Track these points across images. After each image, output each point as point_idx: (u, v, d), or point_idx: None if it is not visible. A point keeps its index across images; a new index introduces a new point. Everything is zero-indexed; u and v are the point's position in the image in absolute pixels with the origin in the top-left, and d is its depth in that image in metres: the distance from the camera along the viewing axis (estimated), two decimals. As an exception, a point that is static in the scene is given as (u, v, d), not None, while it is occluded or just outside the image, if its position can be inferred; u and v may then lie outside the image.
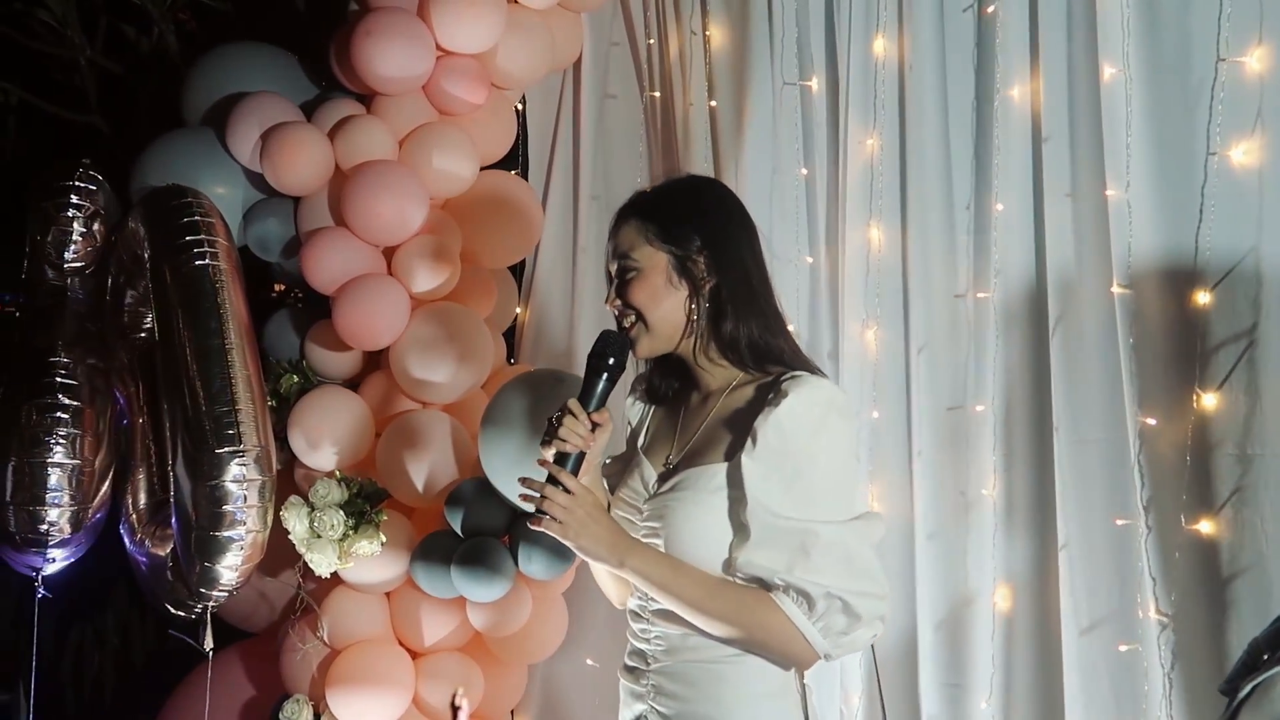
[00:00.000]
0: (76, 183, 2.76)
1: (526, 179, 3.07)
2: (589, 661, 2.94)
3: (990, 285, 2.40)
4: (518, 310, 3.08)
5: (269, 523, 2.49)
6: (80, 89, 3.85)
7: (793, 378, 1.70)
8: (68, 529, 2.64)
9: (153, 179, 2.87)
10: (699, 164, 2.71)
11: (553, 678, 2.96)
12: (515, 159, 3.08)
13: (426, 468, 2.66)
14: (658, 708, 1.73)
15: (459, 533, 2.55)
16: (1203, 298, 2.13)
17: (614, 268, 1.78)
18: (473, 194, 2.83)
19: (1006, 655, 2.36)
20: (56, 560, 2.71)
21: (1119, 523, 2.21)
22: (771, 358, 1.76)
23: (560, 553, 2.44)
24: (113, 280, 2.84)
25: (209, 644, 2.58)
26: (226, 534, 2.41)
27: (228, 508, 2.40)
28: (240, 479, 2.41)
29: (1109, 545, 2.22)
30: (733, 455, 1.68)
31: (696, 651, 1.70)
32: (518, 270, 3.10)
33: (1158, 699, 2.13)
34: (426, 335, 2.71)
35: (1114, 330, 2.20)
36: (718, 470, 1.69)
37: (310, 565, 2.59)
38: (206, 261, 2.54)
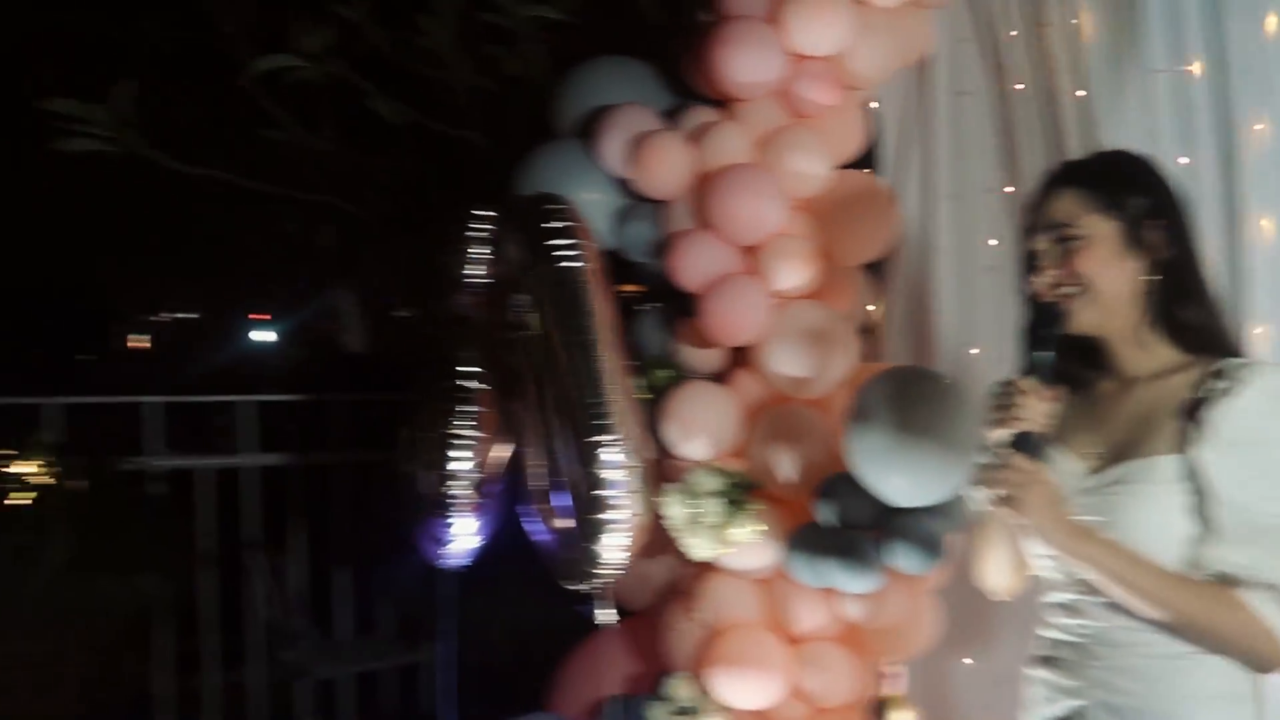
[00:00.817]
0: (476, 211, 3.05)
1: (882, 177, 3.09)
2: (966, 660, 2.94)
3: None
4: (872, 307, 3.11)
5: (646, 507, 2.67)
6: (460, 108, 4.23)
7: (1247, 365, 1.64)
8: (471, 497, 2.97)
9: (529, 187, 3.09)
10: (1070, 156, 2.62)
11: (929, 675, 2.96)
12: (868, 158, 3.10)
13: (794, 460, 2.75)
14: (1109, 700, 1.70)
15: (828, 524, 2.64)
16: None
17: (1043, 242, 1.74)
18: (829, 193, 2.88)
19: None
20: (461, 531, 3.02)
21: None
22: (1215, 344, 1.70)
23: (930, 548, 2.47)
24: (501, 286, 3.13)
25: (607, 617, 2.79)
26: (607, 517, 2.62)
27: (606, 493, 2.61)
28: (616, 465, 2.61)
29: None
30: (1178, 447, 1.64)
31: (1150, 647, 1.67)
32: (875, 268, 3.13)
33: None
34: (787, 331, 2.80)
35: None
36: (1165, 462, 1.65)
37: (687, 550, 2.76)
38: (577, 264, 2.73)
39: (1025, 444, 1.62)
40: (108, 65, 5.18)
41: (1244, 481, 1.59)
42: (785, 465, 2.75)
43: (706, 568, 2.85)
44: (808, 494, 2.69)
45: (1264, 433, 1.60)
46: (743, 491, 2.72)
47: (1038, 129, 2.77)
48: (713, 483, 2.73)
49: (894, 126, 3.09)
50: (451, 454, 2.94)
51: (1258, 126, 2.39)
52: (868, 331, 3.05)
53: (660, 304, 3.16)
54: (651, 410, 3.00)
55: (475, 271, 3.04)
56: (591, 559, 2.69)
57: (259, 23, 5.12)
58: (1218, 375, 1.64)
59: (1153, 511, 1.65)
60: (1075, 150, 2.62)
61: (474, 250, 3.02)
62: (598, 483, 2.61)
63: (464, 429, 2.95)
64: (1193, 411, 1.64)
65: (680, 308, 3.02)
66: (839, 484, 2.59)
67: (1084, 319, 1.70)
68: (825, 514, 2.62)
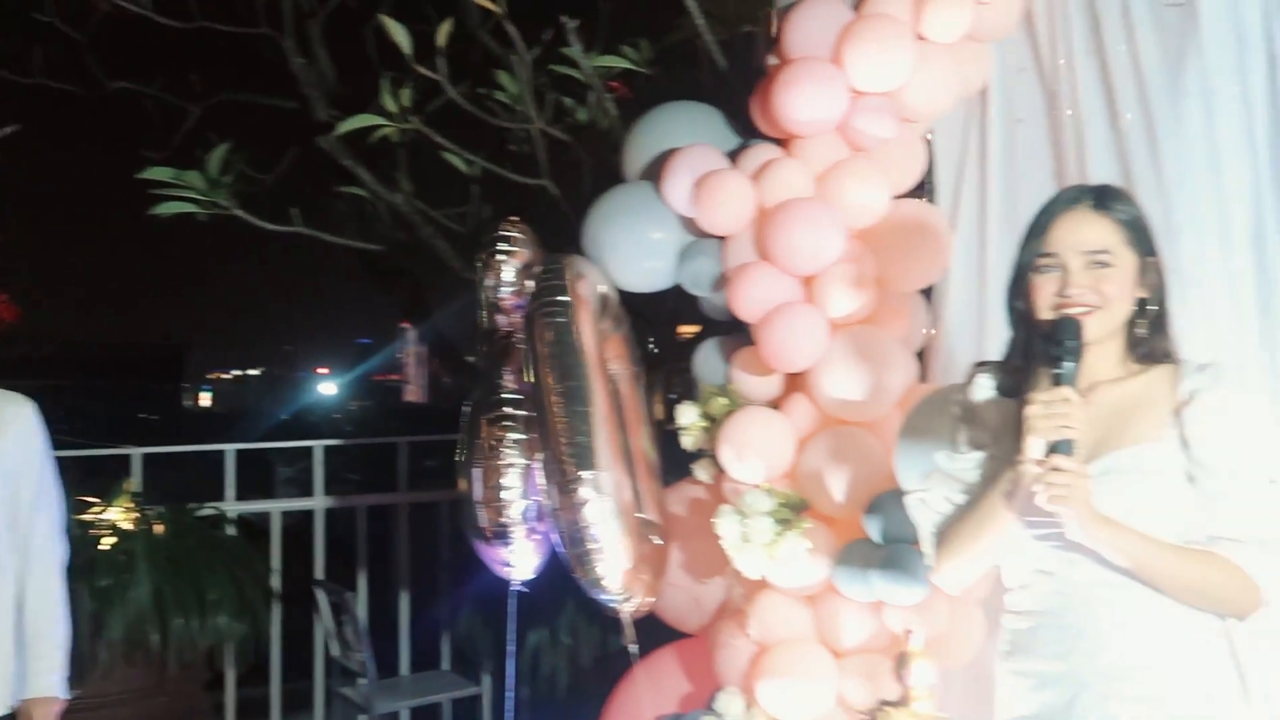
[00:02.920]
0: (504, 232, 3.19)
1: (936, 205, 3.17)
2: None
3: None
4: (929, 330, 3.19)
5: (626, 533, 2.77)
6: (532, 156, 4.39)
7: (1215, 364, 1.89)
8: (524, 522, 3.01)
9: (598, 230, 3.21)
10: (1122, 181, 2.70)
11: (971, 683, 2.99)
12: (923, 186, 3.20)
13: (846, 481, 2.81)
14: (1102, 668, 1.85)
15: (878, 540, 2.69)
16: None
17: (1077, 257, 1.89)
18: (884, 223, 2.97)
19: None
20: (521, 557, 3.07)
21: None
22: (1167, 358, 1.96)
23: None
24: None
25: (631, 644, 2.89)
26: (582, 550, 2.75)
27: (582, 528, 2.73)
28: (589, 501, 2.72)
29: None
30: (1155, 435, 1.85)
31: (1133, 607, 1.85)
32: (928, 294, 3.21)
33: None
34: (844, 357, 2.88)
35: None
36: (1150, 449, 1.86)
37: (740, 568, 2.83)
38: (562, 320, 2.89)
39: (1064, 447, 1.77)
40: (196, 131, 5.46)
41: (1231, 454, 1.83)
42: (837, 485, 2.82)
43: (759, 585, 2.91)
44: (858, 512, 2.75)
45: (1243, 412, 1.87)
46: (793, 511, 2.79)
47: (1089, 154, 2.85)
48: (764, 503, 2.81)
49: (950, 155, 3.17)
50: (502, 481, 3.00)
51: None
52: (920, 355, 3.12)
53: (719, 335, 3.27)
54: (710, 437, 3.09)
55: (508, 290, 3.15)
56: (591, 588, 2.80)
57: (340, 83, 5.40)
58: (1199, 370, 1.89)
59: (1144, 493, 1.84)
60: (1122, 173, 2.71)
61: (506, 268, 3.15)
62: (574, 520, 2.74)
63: (511, 454, 3.01)
64: (1162, 405, 1.88)
65: (738, 337, 3.13)
66: (887, 501, 2.65)
67: (1093, 332, 1.88)
68: (874, 529, 2.67)
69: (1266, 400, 2.48)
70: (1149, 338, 1.94)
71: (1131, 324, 1.93)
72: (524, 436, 3.01)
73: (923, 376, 3.12)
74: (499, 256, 3.14)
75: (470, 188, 4.80)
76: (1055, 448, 1.76)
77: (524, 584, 3.16)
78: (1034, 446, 1.78)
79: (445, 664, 5.01)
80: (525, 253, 3.15)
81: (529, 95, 4.17)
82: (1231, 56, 2.60)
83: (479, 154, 4.48)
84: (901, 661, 2.33)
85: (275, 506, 5.09)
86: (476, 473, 3.04)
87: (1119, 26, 2.77)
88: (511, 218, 3.25)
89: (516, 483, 3.00)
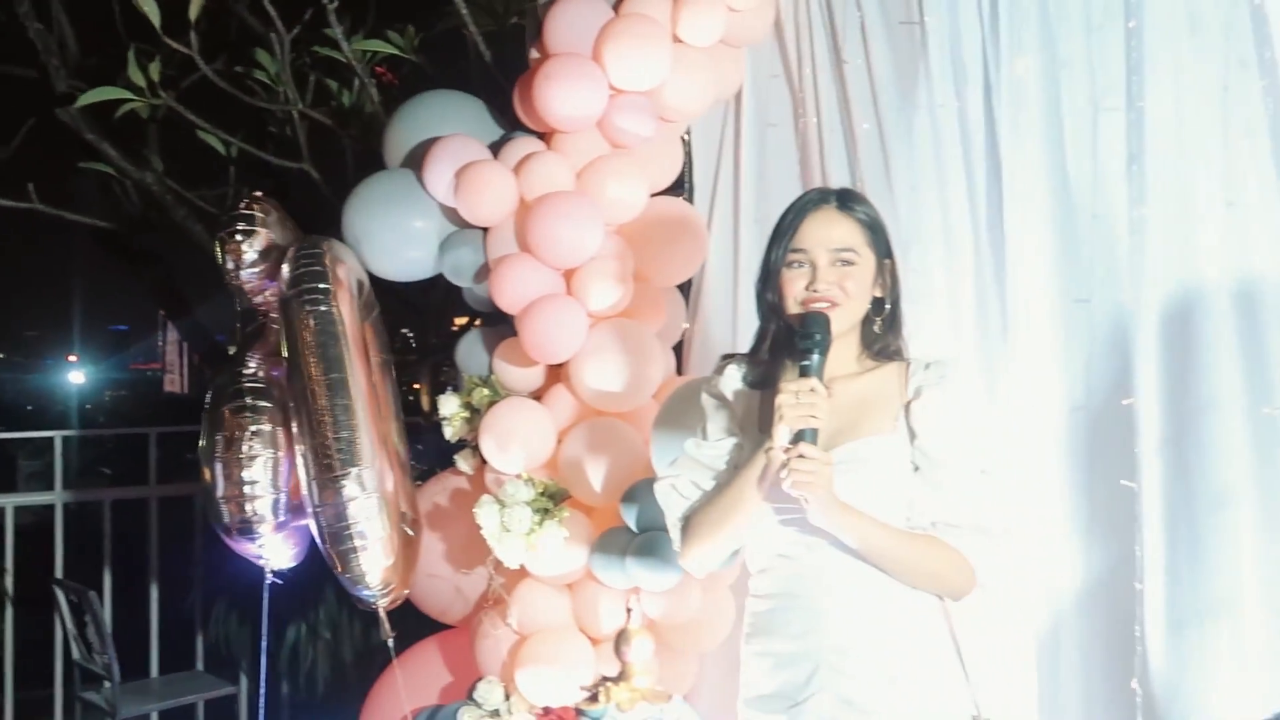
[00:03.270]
0: (243, 211, 3.02)
1: (693, 203, 3.27)
2: None
3: (1139, 286, 2.51)
4: (685, 325, 3.29)
5: (390, 528, 2.74)
6: (293, 139, 4.26)
7: (941, 362, 2.01)
8: (271, 517, 2.89)
9: (358, 217, 3.14)
10: (858, 185, 2.87)
11: (722, 664, 3.12)
12: (682, 185, 3.29)
13: (604, 470, 2.88)
14: (838, 645, 1.94)
15: (634, 528, 2.77)
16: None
17: (825, 254, 1.98)
18: (644, 218, 3.04)
19: (1147, 634, 2.46)
20: (271, 552, 2.96)
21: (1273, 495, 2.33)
22: (897, 354, 2.06)
23: None
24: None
25: (388, 636, 2.84)
26: (347, 547, 2.69)
27: (344, 525, 2.68)
28: (354, 497, 2.67)
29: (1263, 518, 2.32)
30: (888, 427, 1.97)
31: (866, 588, 1.95)
32: (685, 289, 3.31)
33: None
34: (602, 349, 2.93)
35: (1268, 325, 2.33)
36: (883, 440, 1.97)
37: (500, 557, 2.85)
38: (323, 308, 2.80)
39: (809, 436, 1.85)
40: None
41: (951, 447, 1.95)
42: (595, 474, 2.88)
43: (519, 575, 2.94)
44: (616, 501, 2.81)
45: (962, 409, 1.99)
46: (552, 500, 2.83)
47: (831, 159, 3.00)
48: (523, 493, 2.84)
49: (707, 155, 3.28)
50: (245, 475, 2.87)
51: (1019, 156, 2.68)
52: (677, 348, 3.22)
53: (481, 326, 3.27)
54: (472, 428, 3.10)
55: (252, 273, 3.01)
56: (350, 583, 2.75)
57: (84, 53, 5.08)
58: (926, 368, 2.00)
59: (877, 480, 1.95)
60: (858, 179, 2.88)
61: (247, 249, 2.99)
62: (337, 516, 2.67)
63: (256, 446, 2.88)
64: (894, 399, 1.99)
65: (502, 329, 3.14)
66: (642, 490, 2.73)
67: (837, 328, 1.97)
68: (629, 517, 2.74)
69: (982, 399, 2.68)
70: (883, 335, 2.06)
71: (868, 322, 2.05)
72: (269, 428, 2.89)
73: (680, 369, 3.22)
74: (238, 237, 2.98)
75: (228, 169, 4.62)
76: (801, 436, 1.84)
77: (281, 577, 3.07)
78: (781, 434, 1.86)
79: (199, 664, 4.82)
80: (268, 233, 3.00)
81: (289, 76, 4.04)
82: (953, 76, 2.79)
83: (237, 135, 4.31)
84: (622, 638, 2.40)
85: (9, 501, 4.75)
86: (219, 466, 2.89)
87: (856, 40, 2.94)
88: (255, 194, 3.10)
89: (262, 476, 2.88)
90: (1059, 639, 2.63)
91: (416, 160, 3.16)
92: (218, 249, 3.03)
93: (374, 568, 2.73)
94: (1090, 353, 2.60)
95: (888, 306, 2.05)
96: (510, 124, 3.24)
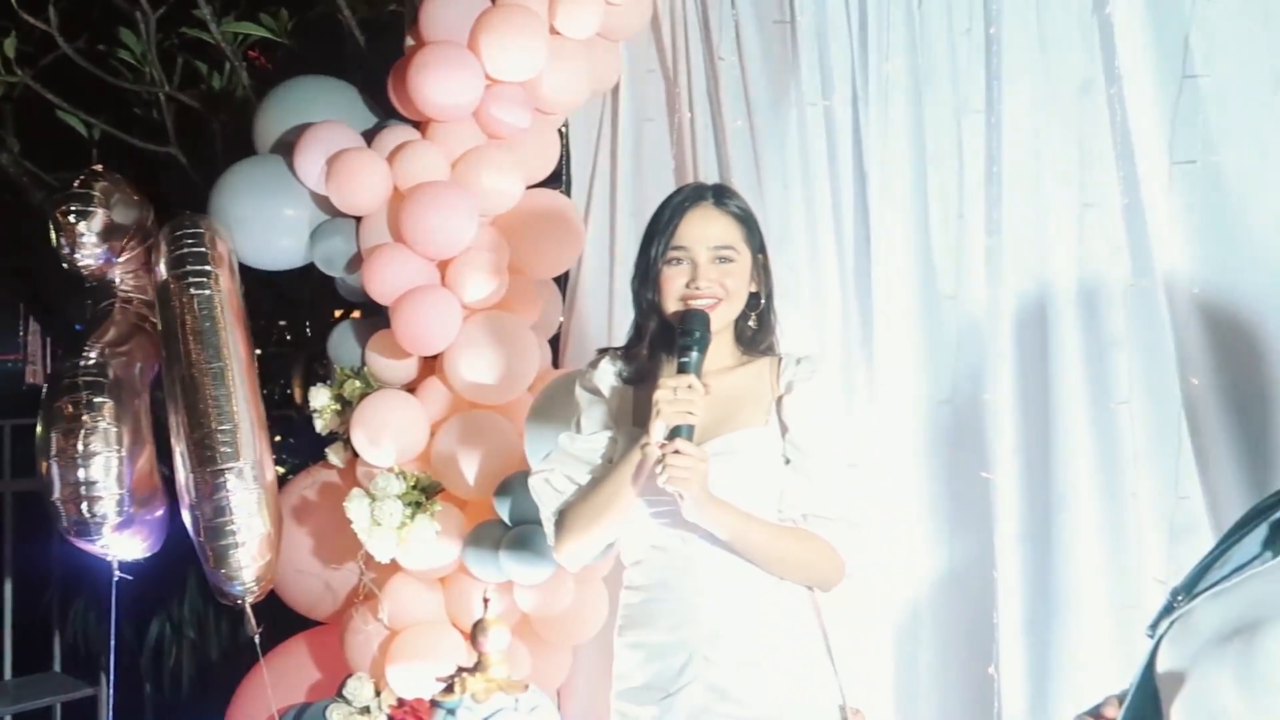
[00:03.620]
0: (77, 189, 2.83)
1: (570, 196, 3.27)
2: None
3: (997, 285, 2.58)
4: (562, 318, 3.28)
5: (269, 523, 2.66)
6: (159, 123, 4.12)
7: (810, 358, 2.04)
8: (114, 516, 2.73)
9: (226, 204, 3.07)
10: (729, 182, 2.90)
11: (597, 658, 3.13)
12: (559, 178, 3.28)
13: (477, 463, 2.86)
14: (713, 635, 1.95)
15: (507, 521, 2.75)
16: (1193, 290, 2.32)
17: (705, 252, 1.99)
18: (520, 210, 3.02)
19: (1006, 621, 2.54)
20: (117, 546, 2.80)
21: (1113, 495, 2.41)
22: (770, 349, 2.09)
23: None
24: (136, 286, 2.98)
25: (254, 631, 2.76)
26: (228, 542, 2.60)
27: (225, 520, 2.59)
28: (233, 491, 2.58)
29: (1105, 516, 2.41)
30: (760, 420, 1.99)
31: (740, 581, 1.97)
32: (562, 282, 3.30)
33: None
34: (476, 341, 2.91)
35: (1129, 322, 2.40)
36: (756, 433, 1.98)
37: (371, 552, 2.81)
38: (207, 291, 2.70)
39: (685, 432, 1.86)
40: None
41: (820, 441, 1.99)
42: (469, 468, 2.86)
43: (391, 569, 2.90)
44: (489, 494, 2.80)
45: (829, 404, 2.05)
46: (423, 494, 2.80)
47: (704, 156, 3.03)
48: (394, 486, 2.80)
49: (584, 148, 3.29)
50: (82, 475, 2.69)
51: (886, 155, 2.73)
52: (555, 341, 3.22)
53: (354, 317, 3.22)
54: (343, 420, 3.05)
55: (91, 256, 2.85)
56: (222, 579, 2.66)
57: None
58: (797, 363, 2.03)
59: (750, 474, 1.97)
60: (730, 175, 2.91)
61: (84, 229, 2.81)
62: (217, 512, 2.59)
63: (95, 444, 2.70)
64: (767, 393, 2.01)
65: (376, 320, 3.09)
66: (516, 483, 2.72)
67: (717, 324, 1.99)
68: (502, 510, 2.73)
69: (849, 393, 2.73)
70: (758, 330, 2.08)
71: (743, 317, 2.07)
72: (108, 424, 2.73)
73: (556, 362, 3.21)
74: (72, 217, 2.80)
75: (91, 152, 4.45)
76: (677, 432, 1.85)
77: (135, 572, 2.95)
78: (658, 430, 1.87)
79: (57, 665, 4.64)
80: (107, 214, 2.83)
81: (155, 56, 3.91)
82: (822, 76, 2.83)
83: (101, 117, 4.15)
84: (478, 629, 2.39)
85: None
86: (55, 466, 2.71)
87: (730, 37, 2.96)
88: (94, 170, 2.92)
89: (101, 476, 2.71)
90: (919, 626, 2.70)
91: (287, 147, 3.09)
92: (52, 229, 2.84)
93: (251, 564, 2.65)
94: (955, 348, 2.66)
95: (762, 301, 2.08)
96: (385, 112, 3.19)
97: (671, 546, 2.00)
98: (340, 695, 2.89)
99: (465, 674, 2.34)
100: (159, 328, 2.78)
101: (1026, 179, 2.54)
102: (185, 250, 2.72)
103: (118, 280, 2.93)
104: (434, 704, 2.39)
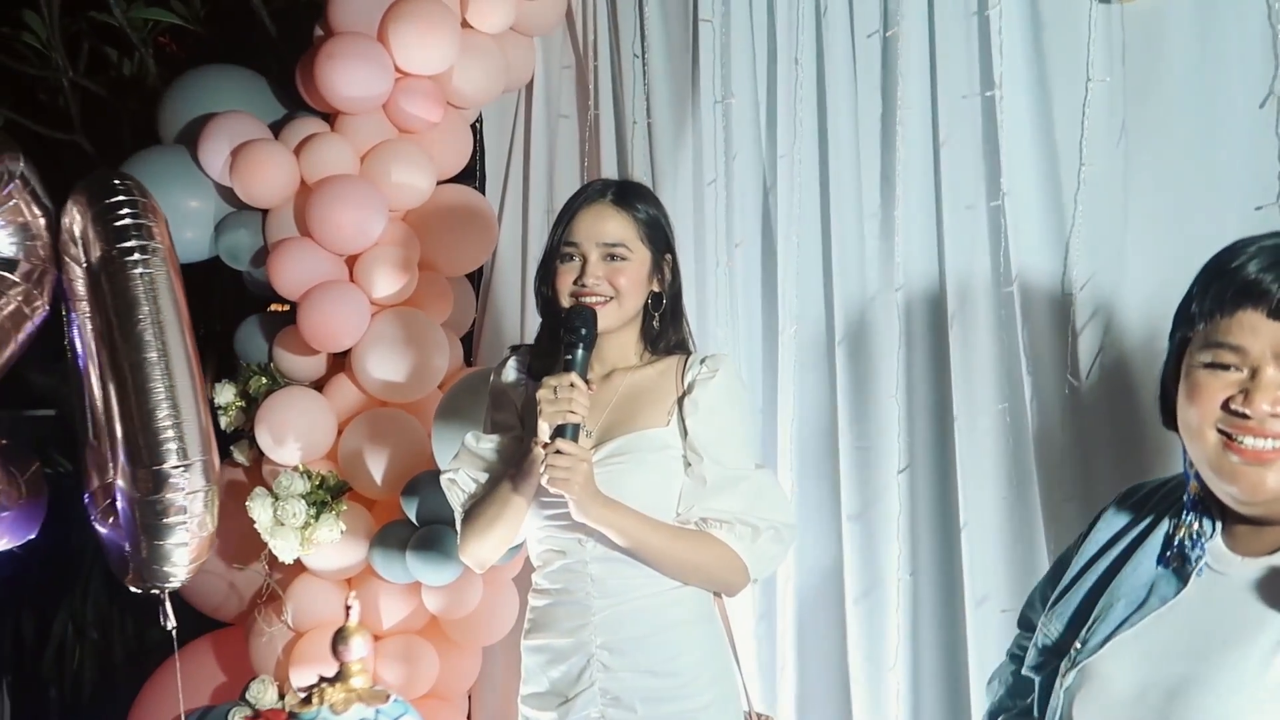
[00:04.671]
0: None
1: (484, 193, 3.23)
2: None
3: (895, 285, 2.59)
4: (475, 315, 3.24)
5: (213, 524, 2.52)
6: (64, 110, 4.01)
7: (715, 356, 2.01)
8: None
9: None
10: (637, 177, 2.88)
11: (507, 659, 3.10)
12: (473, 173, 3.24)
13: (385, 462, 2.82)
14: (609, 642, 1.95)
15: (414, 522, 2.72)
16: (1074, 293, 2.36)
17: (596, 249, 1.98)
18: (431, 206, 2.98)
19: (914, 625, 2.55)
20: None
21: (1011, 501, 2.43)
22: (679, 347, 2.06)
23: None
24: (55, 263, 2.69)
25: (171, 623, 2.65)
26: (171, 541, 2.46)
27: (170, 519, 2.43)
28: (183, 490, 2.41)
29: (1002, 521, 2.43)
30: (665, 420, 1.96)
31: (641, 588, 1.96)
32: (476, 279, 3.26)
33: None
34: (385, 338, 2.87)
35: (1007, 324, 2.43)
36: (655, 434, 1.96)
37: (275, 552, 2.76)
38: (147, 270, 2.46)
39: (569, 431, 1.83)
40: None
41: (721, 442, 1.95)
42: (377, 467, 2.81)
43: (296, 570, 2.85)
44: (397, 494, 2.76)
45: (733, 403, 2.00)
46: (329, 493, 2.76)
47: (607, 153, 3.01)
48: (299, 485, 2.76)
49: (498, 143, 3.25)
50: None
51: (789, 154, 2.73)
52: (468, 338, 3.18)
53: (260, 312, 3.15)
54: (248, 417, 2.99)
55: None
56: (153, 574, 2.53)
57: None
58: (701, 363, 2.00)
59: (650, 475, 1.95)
60: (639, 171, 2.89)
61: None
62: (160, 511, 2.43)
63: None
64: (670, 392, 1.98)
65: (280, 315, 3.04)
66: (424, 482, 2.68)
67: (608, 322, 1.97)
68: (410, 510, 2.69)
69: (751, 395, 2.73)
70: (663, 330, 2.06)
71: (648, 316, 2.05)
72: None
73: (469, 360, 3.18)
74: None
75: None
76: (560, 431, 1.82)
77: (40, 567, 2.88)
78: (542, 429, 1.85)
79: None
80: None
81: (59, 40, 3.80)
82: (731, 75, 2.81)
83: (3, 103, 4.03)
84: (339, 637, 2.35)
85: None
86: None
87: (637, 34, 2.94)
88: None
89: None
90: (821, 630, 2.70)
91: (192, 136, 3.02)
92: None
93: (188, 562, 2.52)
94: (866, 345, 2.66)
95: (665, 301, 2.05)
96: (296, 104, 3.13)
97: (569, 549, 1.99)
98: (243, 698, 2.83)
99: (325, 684, 2.30)
100: (90, 310, 2.54)
101: (926, 177, 2.55)
102: (127, 221, 2.48)
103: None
104: (291, 715, 2.34)
